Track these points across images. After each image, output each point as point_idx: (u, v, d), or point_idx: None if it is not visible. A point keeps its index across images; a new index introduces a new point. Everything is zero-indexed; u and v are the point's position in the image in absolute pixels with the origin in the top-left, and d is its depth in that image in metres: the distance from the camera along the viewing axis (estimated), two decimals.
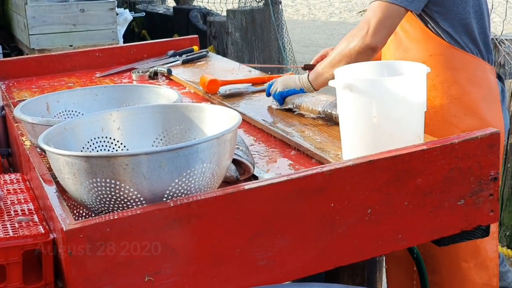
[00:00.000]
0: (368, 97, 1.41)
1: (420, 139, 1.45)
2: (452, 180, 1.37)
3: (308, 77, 1.91)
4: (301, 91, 1.91)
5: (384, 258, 2.09)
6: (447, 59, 1.86)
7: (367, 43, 1.75)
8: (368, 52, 1.75)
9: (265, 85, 2.18)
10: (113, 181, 1.18)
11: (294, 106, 1.89)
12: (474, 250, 1.91)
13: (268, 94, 2.01)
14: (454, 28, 1.84)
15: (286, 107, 1.92)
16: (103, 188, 1.19)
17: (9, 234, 1.19)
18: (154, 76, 2.51)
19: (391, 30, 1.79)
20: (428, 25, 1.85)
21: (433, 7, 1.81)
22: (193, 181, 1.22)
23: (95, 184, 1.19)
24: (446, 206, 1.38)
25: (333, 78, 1.54)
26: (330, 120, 1.77)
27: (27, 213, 1.31)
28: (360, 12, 12.07)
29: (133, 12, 6.21)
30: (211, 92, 2.16)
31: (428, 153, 1.34)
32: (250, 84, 2.23)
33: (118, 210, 1.20)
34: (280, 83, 1.96)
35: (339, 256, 1.32)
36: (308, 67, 2.08)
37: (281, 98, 1.93)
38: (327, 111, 1.77)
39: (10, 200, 1.37)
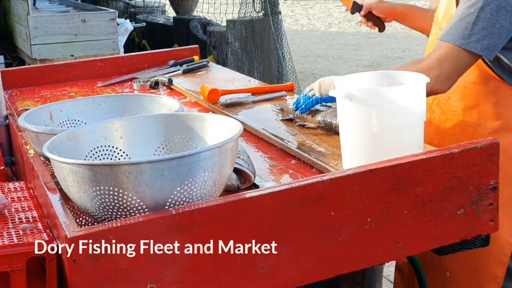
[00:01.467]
0: (368, 107, 1.43)
1: (420, 148, 1.47)
2: (451, 189, 1.39)
3: None
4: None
5: (383, 267, 2.09)
6: (491, 91, 1.78)
7: (435, 88, 1.67)
8: (433, 94, 1.69)
9: (268, 96, 2.20)
10: (116, 189, 1.19)
11: (295, 116, 1.90)
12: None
13: (297, 108, 1.86)
14: (508, 65, 1.74)
15: (288, 118, 1.94)
16: (106, 196, 1.20)
17: (13, 241, 1.20)
18: (155, 85, 2.52)
19: (460, 76, 1.72)
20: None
21: None
22: (195, 190, 1.23)
23: (98, 192, 1.20)
24: (446, 215, 1.40)
25: None
26: (330, 130, 1.78)
27: (31, 220, 1.32)
28: (360, 22, 12.12)
29: (133, 23, 6.25)
30: (212, 101, 2.18)
31: (428, 162, 1.36)
32: (250, 93, 2.25)
33: (121, 218, 1.22)
34: (317, 86, 1.77)
35: (340, 264, 1.33)
36: (357, 6, 2.03)
37: (314, 104, 1.79)
38: (327, 120, 1.78)
39: (14, 208, 1.39)
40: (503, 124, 1.79)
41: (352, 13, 2.10)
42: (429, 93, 1.61)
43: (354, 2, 2.12)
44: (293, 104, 1.90)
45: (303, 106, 1.83)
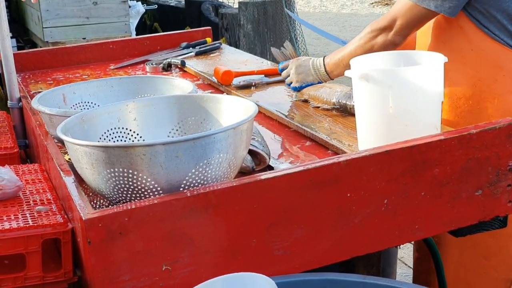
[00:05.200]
0: (384, 88, 1.41)
1: (437, 129, 1.45)
2: (469, 170, 1.37)
3: (325, 67, 1.87)
4: (319, 83, 1.89)
5: (397, 249, 2.08)
6: (490, 56, 1.76)
7: (390, 39, 1.73)
8: (390, 47, 1.74)
9: (281, 77, 2.18)
10: (130, 171, 1.18)
11: (310, 97, 1.88)
12: (497, 248, 1.87)
13: (281, 71, 2.04)
14: (501, 25, 1.73)
15: (302, 99, 1.92)
16: (121, 178, 1.19)
17: (28, 224, 1.20)
18: (167, 68, 2.51)
19: (416, 29, 1.77)
20: (472, 18, 1.74)
21: (477, 5, 1.71)
22: (209, 171, 1.22)
23: (112, 174, 1.19)
24: (464, 196, 1.38)
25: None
26: (345, 111, 1.77)
27: (45, 202, 1.32)
28: (372, 3, 12.01)
29: (145, 5, 6.21)
30: (225, 83, 2.16)
31: (446, 143, 1.34)
32: (264, 75, 2.23)
33: (136, 200, 1.21)
34: (295, 75, 1.92)
35: (355, 246, 1.32)
36: None
37: (298, 90, 1.95)
38: (342, 102, 1.76)
39: (29, 190, 1.39)
40: (502, 88, 1.75)
41: None
42: (387, 46, 1.71)
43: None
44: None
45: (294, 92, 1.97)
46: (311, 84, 1.90)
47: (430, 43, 1.84)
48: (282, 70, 2.04)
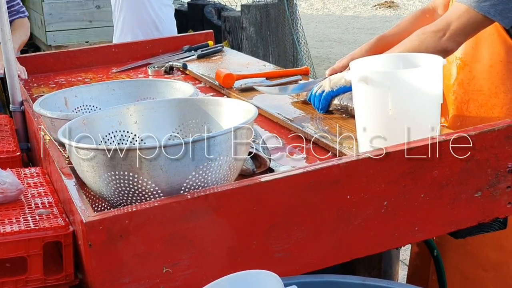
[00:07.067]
0: (384, 90, 1.41)
1: (437, 131, 1.45)
2: (469, 172, 1.37)
3: None
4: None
5: (399, 251, 2.08)
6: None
7: (443, 45, 1.67)
8: (442, 54, 1.65)
9: (282, 80, 2.19)
10: (131, 174, 1.19)
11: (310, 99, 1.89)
12: (497, 262, 1.86)
13: (309, 99, 1.85)
14: None
15: (302, 99, 1.93)
16: (122, 181, 1.20)
17: (30, 227, 1.21)
18: (169, 71, 2.52)
19: (469, 37, 1.71)
20: (509, 30, 1.72)
21: None
22: (210, 174, 1.23)
23: (113, 177, 1.20)
24: (463, 198, 1.38)
25: None
26: (346, 113, 1.77)
27: (47, 206, 1.33)
28: (375, 6, 12.01)
29: None
30: (227, 86, 2.17)
31: (445, 145, 1.34)
32: (265, 78, 2.24)
33: (137, 203, 1.22)
34: (327, 81, 1.79)
35: (356, 248, 1.33)
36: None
37: (329, 99, 1.78)
38: (343, 103, 1.77)
39: (31, 193, 1.39)
40: None
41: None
42: (438, 52, 1.61)
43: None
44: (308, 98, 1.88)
45: (320, 106, 1.80)
46: (344, 89, 1.74)
47: (460, 48, 1.77)
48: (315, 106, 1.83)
